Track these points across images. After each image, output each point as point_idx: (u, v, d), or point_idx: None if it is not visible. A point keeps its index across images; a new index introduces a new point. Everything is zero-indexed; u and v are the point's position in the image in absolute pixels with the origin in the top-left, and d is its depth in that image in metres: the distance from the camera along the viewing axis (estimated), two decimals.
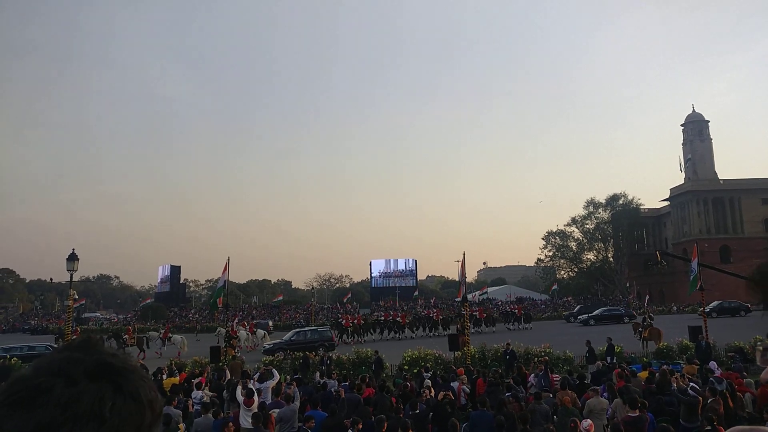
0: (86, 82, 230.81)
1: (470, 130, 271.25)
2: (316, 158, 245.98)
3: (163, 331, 37.02)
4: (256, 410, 10.90)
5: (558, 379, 15.13)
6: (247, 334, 36.58)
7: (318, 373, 17.26)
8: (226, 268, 22.85)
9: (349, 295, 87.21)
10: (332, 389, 14.27)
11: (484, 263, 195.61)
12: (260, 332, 37.31)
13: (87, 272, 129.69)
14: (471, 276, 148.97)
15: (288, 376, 17.68)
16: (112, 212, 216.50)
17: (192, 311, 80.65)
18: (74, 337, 29.98)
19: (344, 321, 40.96)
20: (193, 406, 13.15)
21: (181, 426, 11.50)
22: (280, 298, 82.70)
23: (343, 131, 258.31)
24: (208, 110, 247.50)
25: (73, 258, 22.96)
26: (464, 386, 14.86)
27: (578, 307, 61.50)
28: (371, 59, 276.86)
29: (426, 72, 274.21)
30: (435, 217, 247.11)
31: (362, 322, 42.92)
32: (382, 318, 44.65)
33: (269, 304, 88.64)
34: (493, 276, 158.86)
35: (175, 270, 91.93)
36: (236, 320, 39.40)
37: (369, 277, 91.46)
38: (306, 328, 38.19)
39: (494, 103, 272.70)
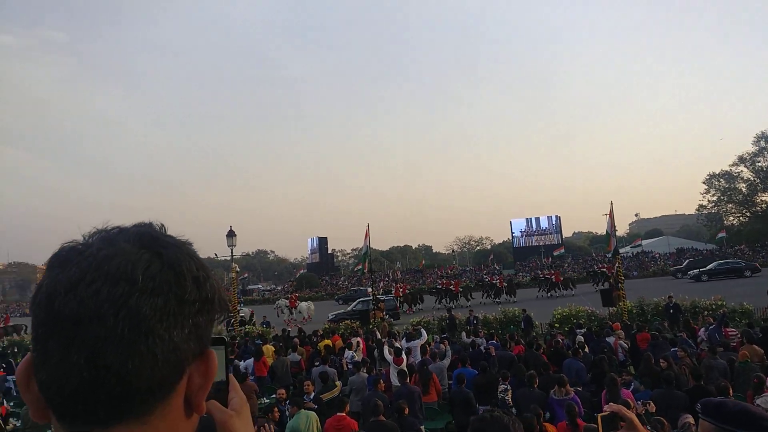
0: (216, 73, 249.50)
1: (623, 72, 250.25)
2: (450, 121, 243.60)
3: (290, 299, 38.92)
4: (404, 368, 11.05)
5: (734, 333, 13.51)
6: (308, 305, 37.90)
7: (464, 333, 17.17)
8: (367, 234, 23.48)
9: (491, 257, 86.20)
10: (482, 347, 14.09)
11: (636, 215, 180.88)
12: (303, 305, 37.82)
13: (246, 249, 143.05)
14: (622, 229, 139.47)
15: (437, 336, 17.83)
16: (261, 191, 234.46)
17: (342, 279, 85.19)
18: (241, 306, 33.16)
19: (394, 291, 39.81)
20: (347, 365, 13.76)
21: (338, 383, 12.05)
22: (423, 263, 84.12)
23: (472, 87, 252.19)
24: (336, 85, 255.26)
25: (231, 234, 25.08)
26: (621, 342, 13.84)
27: (687, 261, 51.76)
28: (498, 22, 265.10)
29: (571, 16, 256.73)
30: (580, 170, 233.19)
31: (408, 291, 40.93)
32: (439, 285, 42.00)
33: (412, 269, 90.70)
34: (647, 227, 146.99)
35: (323, 241, 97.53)
36: (382, 284, 40.51)
37: (510, 238, 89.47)
38: (369, 298, 36.85)
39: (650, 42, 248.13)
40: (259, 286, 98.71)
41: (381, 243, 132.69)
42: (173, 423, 0.67)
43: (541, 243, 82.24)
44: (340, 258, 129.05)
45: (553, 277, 41.14)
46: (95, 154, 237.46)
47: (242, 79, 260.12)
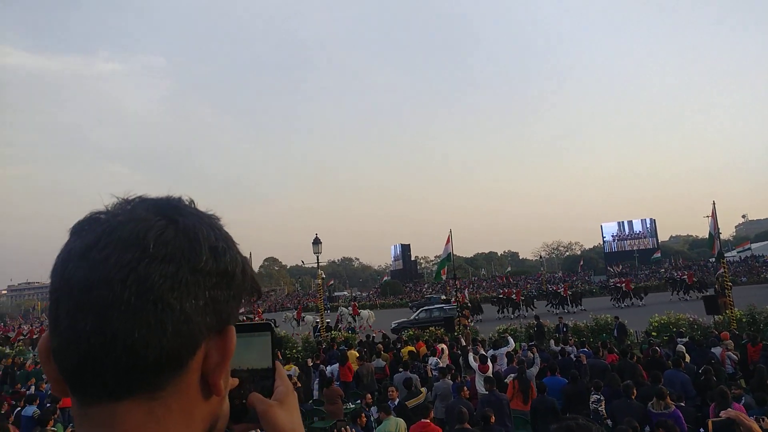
0: (312, 84, 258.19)
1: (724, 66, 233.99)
2: (536, 126, 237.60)
3: (351, 307, 39.25)
4: (490, 375, 10.79)
5: None
6: (369, 313, 37.61)
7: (552, 340, 16.54)
8: (449, 240, 23.26)
9: (582, 263, 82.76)
10: (572, 355, 13.49)
11: (744, 216, 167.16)
12: (365, 313, 37.76)
13: (332, 256, 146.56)
14: (727, 232, 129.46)
15: (524, 343, 17.31)
16: (347, 199, 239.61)
17: (425, 285, 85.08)
18: (328, 312, 33.95)
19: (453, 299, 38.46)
20: (431, 371, 13.65)
21: (423, 390, 11.95)
22: (509, 269, 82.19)
23: (555, 92, 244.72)
24: (412, 93, 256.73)
25: (317, 242, 25.82)
26: (730, 353, 12.73)
27: None
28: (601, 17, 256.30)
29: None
30: (676, 170, 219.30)
31: (470, 299, 39.17)
32: (500, 295, 40.92)
33: (497, 275, 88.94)
34: (757, 229, 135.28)
35: (405, 248, 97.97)
36: (465, 289, 39.97)
37: (601, 242, 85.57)
38: (432, 306, 37.01)
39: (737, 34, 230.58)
40: (345, 293, 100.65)
41: (465, 249, 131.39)
42: (188, 402, 0.63)
43: (635, 247, 78.03)
44: (423, 265, 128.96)
45: (623, 285, 39.33)
46: (192, 166, 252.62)
47: (326, 89, 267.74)
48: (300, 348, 22.51)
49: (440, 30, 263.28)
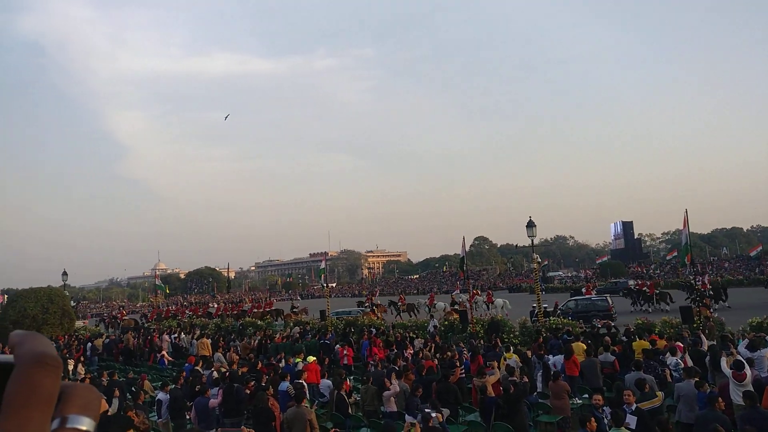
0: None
1: None
2: None
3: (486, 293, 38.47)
4: (749, 387, 9.25)
5: None
6: (503, 302, 35.21)
7: None
8: (686, 222, 20.59)
9: None
10: None
11: None
12: (499, 301, 35.40)
13: (545, 234, 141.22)
14: None
15: None
16: (559, 175, 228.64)
17: (652, 266, 77.21)
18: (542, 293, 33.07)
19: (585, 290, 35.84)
20: (671, 374, 12.24)
21: (659, 393, 10.78)
22: (759, 248, 69.26)
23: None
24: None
25: (531, 225, 25.09)
26: None
27: None
28: None
29: None
30: None
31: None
32: (634, 287, 38.10)
33: (743, 255, 76.64)
34: None
35: (627, 225, 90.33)
36: (705, 275, 35.34)
37: None
38: (580, 297, 33.62)
39: None
40: (560, 273, 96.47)
41: (701, 225, 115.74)
42: None
43: None
44: (648, 243, 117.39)
45: (646, 288, 36.05)
46: (406, 149, 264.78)
47: (533, 67, 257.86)
48: (517, 333, 22.14)
49: None
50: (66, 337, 29.66)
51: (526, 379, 11.87)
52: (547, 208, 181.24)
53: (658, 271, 69.99)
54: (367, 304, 38.68)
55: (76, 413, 0.54)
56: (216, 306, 51.82)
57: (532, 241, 25.84)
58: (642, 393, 10.36)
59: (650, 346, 14.06)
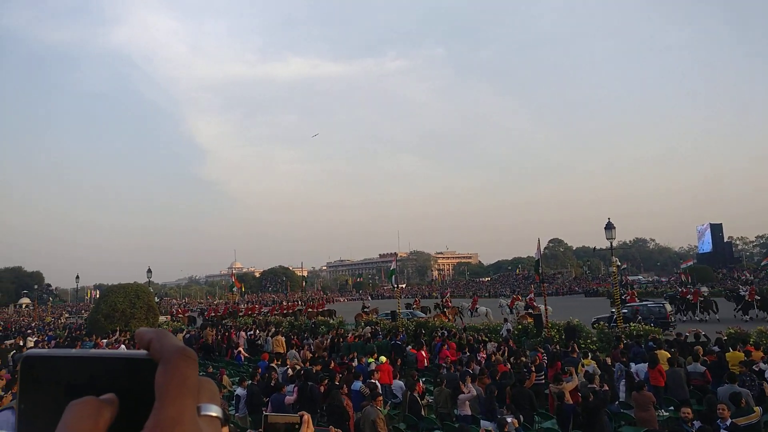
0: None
1: None
2: None
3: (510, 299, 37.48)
4: None
5: None
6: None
7: None
8: None
9: None
10: None
11: None
12: (482, 309, 34.61)
13: (624, 237, 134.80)
14: None
15: None
16: (636, 174, 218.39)
17: (744, 272, 71.99)
18: (624, 297, 31.65)
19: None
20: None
21: (757, 409, 9.98)
22: None
23: None
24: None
25: (609, 227, 24.13)
26: None
27: None
28: None
29: None
30: None
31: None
32: (677, 295, 37.62)
33: None
34: None
35: (716, 228, 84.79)
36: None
37: None
38: (636, 303, 31.73)
39: None
40: (639, 277, 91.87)
41: None
42: None
43: None
44: (740, 247, 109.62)
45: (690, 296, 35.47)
46: (475, 149, 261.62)
47: (599, 62, 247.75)
48: (595, 339, 21.24)
49: None
50: None
51: (606, 387, 11.36)
52: (627, 209, 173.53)
53: (752, 277, 65.19)
54: (438, 305, 38.37)
55: (206, 402, 0.58)
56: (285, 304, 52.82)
57: (611, 244, 24.79)
58: (737, 408, 9.64)
59: (745, 358, 13.03)
